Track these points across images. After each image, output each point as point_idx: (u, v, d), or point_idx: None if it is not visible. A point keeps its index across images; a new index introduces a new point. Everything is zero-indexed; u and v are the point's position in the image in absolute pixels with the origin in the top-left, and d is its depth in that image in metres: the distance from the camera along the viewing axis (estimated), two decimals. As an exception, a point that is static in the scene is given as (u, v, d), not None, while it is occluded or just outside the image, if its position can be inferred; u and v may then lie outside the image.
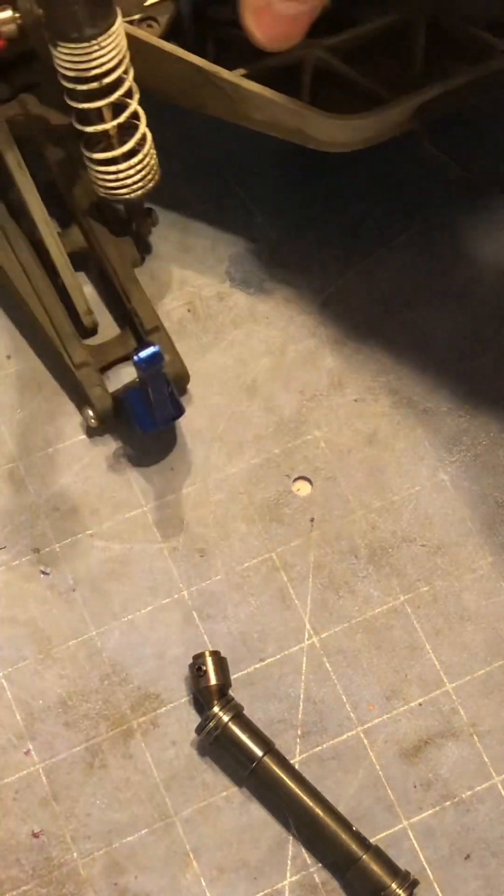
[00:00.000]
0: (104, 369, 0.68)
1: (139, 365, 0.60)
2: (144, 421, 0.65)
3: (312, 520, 0.66)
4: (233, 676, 0.63)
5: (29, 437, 0.68)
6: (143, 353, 0.59)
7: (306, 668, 0.63)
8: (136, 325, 0.68)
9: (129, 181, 0.65)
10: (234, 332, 0.69)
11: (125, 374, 0.69)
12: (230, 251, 0.73)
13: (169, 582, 0.65)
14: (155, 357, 0.59)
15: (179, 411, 0.66)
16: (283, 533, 0.66)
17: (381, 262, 0.73)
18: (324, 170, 0.75)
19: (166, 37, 0.67)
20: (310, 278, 0.73)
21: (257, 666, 0.63)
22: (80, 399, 0.67)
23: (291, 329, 0.71)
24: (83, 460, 0.68)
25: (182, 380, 0.68)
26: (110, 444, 0.68)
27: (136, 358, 0.59)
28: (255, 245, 0.73)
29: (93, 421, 0.66)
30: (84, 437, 0.68)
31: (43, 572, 0.65)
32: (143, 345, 0.60)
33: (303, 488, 0.67)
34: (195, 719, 0.62)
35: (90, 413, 0.66)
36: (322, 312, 0.72)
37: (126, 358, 0.69)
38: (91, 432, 0.68)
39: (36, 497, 0.67)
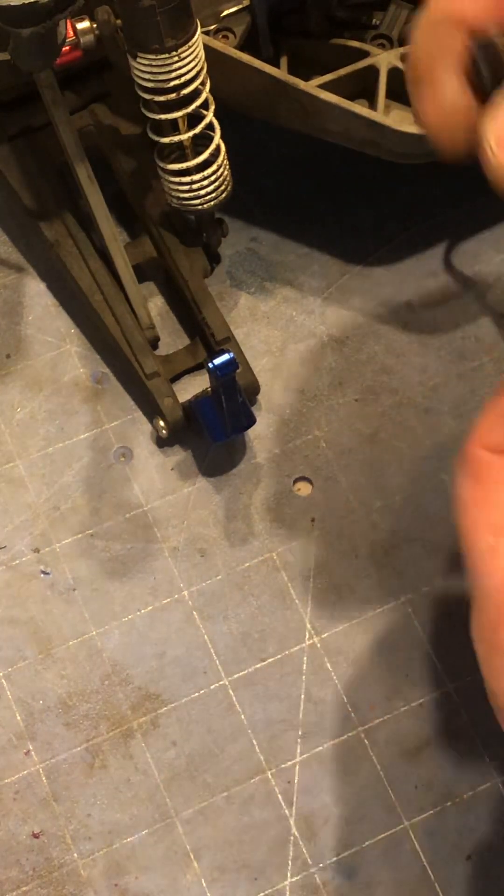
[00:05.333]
0: (173, 380, 0.68)
1: (214, 372, 0.60)
2: (216, 431, 0.64)
3: (313, 520, 0.66)
4: (233, 677, 0.62)
5: (28, 436, 0.68)
6: (218, 360, 0.59)
7: (307, 668, 0.63)
8: (205, 335, 0.68)
9: (202, 192, 0.65)
10: (234, 332, 0.69)
11: (195, 385, 0.69)
12: (230, 251, 0.73)
13: (169, 582, 0.65)
14: (230, 364, 0.59)
15: (251, 420, 0.65)
16: (283, 533, 0.66)
17: (381, 262, 0.73)
18: (324, 170, 0.75)
19: (241, 48, 0.67)
20: (310, 278, 0.73)
21: (258, 666, 0.63)
22: (151, 409, 0.67)
23: (291, 329, 0.71)
24: (83, 460, 0.67)
25: (253, 389, 0.67)
26: (110, 444, 0.68)
27: (210, 365, 0.59)
28: (255, 245, 0.73)
29: (164, 431, 0.66)
30: (83, 436, 0.68)
31: (43, 572, 0.65)
32: (216, 352, 0.60)
33: (303, 488, 0.67)
34: (195, 720, 0.62)
35: (161, 424, 0.66)
36: (322, 312, 0.72)
37: (195, 368, 0.69)
38: (161, 442, 0.68)
39: (36, 497, 0.67)
